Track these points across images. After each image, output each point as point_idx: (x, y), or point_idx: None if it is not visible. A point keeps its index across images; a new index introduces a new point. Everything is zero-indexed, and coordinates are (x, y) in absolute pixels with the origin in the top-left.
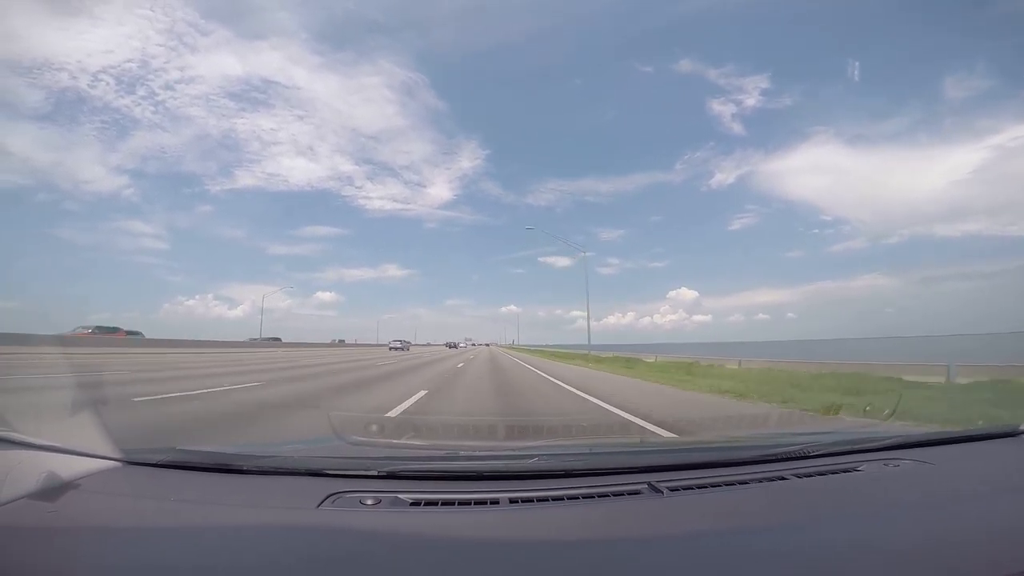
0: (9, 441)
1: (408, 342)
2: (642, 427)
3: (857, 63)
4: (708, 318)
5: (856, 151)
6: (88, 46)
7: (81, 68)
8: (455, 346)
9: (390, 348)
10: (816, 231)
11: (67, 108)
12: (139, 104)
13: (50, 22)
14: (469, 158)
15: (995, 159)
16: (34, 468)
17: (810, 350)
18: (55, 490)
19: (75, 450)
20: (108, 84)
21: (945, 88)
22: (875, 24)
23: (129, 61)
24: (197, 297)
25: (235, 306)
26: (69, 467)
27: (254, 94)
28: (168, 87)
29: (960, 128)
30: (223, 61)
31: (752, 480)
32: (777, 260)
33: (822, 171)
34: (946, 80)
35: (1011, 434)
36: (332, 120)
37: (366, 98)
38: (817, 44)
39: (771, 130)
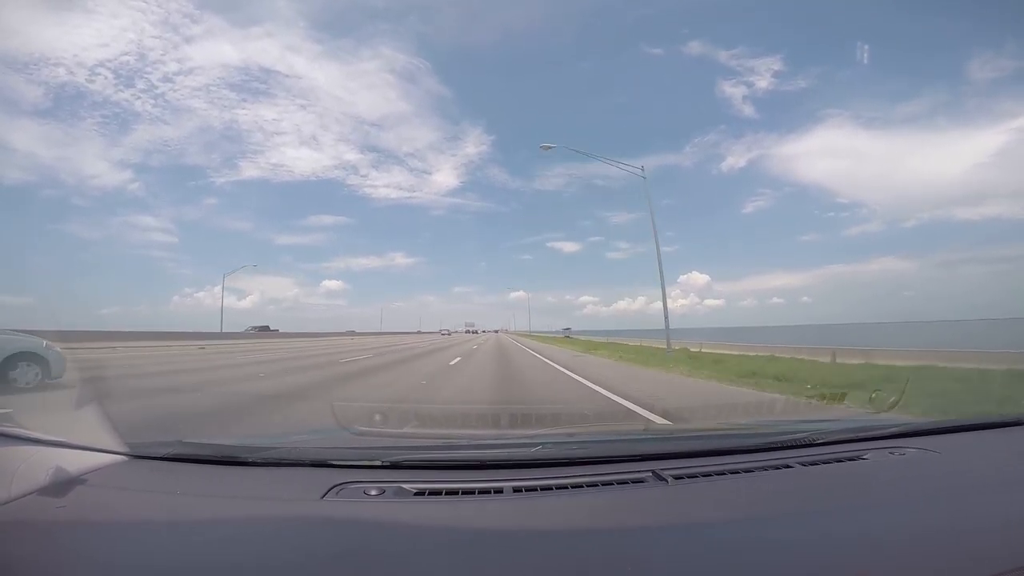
0: (17, 437)
1: (449, 330)
2: (647, 416)
3: (874, 44)
4: (720, 302)
5: (873, 133)
6: (84, 40)
7: (78, 62)
8: (475, 332)
9: (441, 334)
10: (831, 214)
11: (67, 103)
12: (139, 97)
13: (44, 17)
14: (474, 144)
15: (1019, 141)
16: (42, 463)
17: (830, 336)
18: (63, 485)
19: (82, 445)
20: (106, 78)
21: (969, 69)
22: (894, 2)
23: (126, 54)
24: (207, 288)
25: (243, 296)
26: (76, 462)
27: (254, 84)
28: (167, 79)
29: (983, 110)
30: (221, 51)
31: (757, 468)
32: (791, 244)
33: (838, 154)
34: (970, 61)
35: (1018, 423)
36: (335, 109)
37: (368, 85)
38: (833, 24)
39: (784, 112)
